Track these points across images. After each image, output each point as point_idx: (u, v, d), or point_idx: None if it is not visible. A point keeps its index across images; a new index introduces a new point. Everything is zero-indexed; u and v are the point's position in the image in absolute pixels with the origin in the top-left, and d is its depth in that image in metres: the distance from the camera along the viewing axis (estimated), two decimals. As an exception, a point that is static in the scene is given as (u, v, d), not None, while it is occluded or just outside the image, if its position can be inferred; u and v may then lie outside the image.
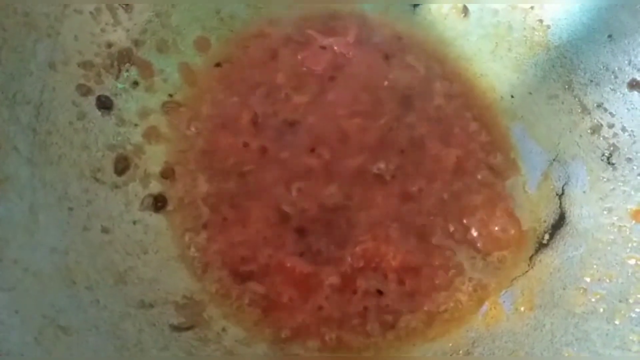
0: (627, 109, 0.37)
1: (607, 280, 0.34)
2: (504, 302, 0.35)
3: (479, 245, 0.36)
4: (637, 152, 0.36)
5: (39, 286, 0.28)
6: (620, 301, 0.32)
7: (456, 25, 0.42)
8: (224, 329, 0.32)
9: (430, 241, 0.36)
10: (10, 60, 0.31)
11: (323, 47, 0.41)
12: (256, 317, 0.33)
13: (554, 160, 0.39)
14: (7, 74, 0.31)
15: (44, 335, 0.27)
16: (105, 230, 0.33)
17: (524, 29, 0.41)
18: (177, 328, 0.31)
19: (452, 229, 0.36)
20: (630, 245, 0.34)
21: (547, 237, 0.37)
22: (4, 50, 0.31)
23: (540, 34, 0.41)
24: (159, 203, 0.35)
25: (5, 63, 0.31)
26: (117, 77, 0.37)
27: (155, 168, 0.36)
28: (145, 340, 0.30)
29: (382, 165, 0.38)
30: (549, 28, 0.40)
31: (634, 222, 0.35)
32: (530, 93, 0.40)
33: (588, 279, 0.34)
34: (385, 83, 0.41)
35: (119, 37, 0.37)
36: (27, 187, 0.30)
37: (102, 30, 0.36)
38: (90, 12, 0.35)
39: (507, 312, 0.35)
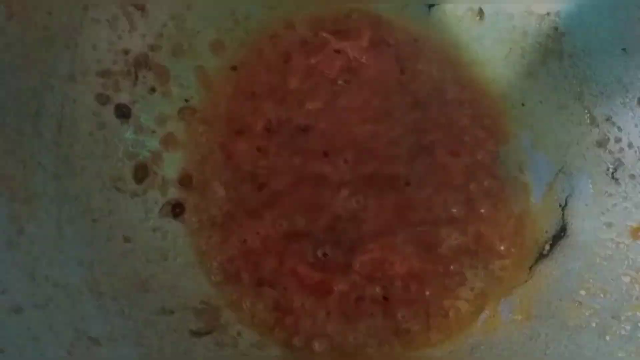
0: (635, 124, 0.38)
1: (602, 296, 0.35)
2: (502, 310, 0.37)
3: (481, 254, 0.38)
4: (638, 169, 0.37)
5: (69, 300, 0.30)
6: (612, 317, 0.34)
7: (471, 28, 0.42)
8: (239, 333, 0.35)
9: (436, 250, 0.38)
10: (32, 76, 0.32)
11: (337, 51, 0.41)
12: (270, 321, 0.36)
13: (559, 171, 0.39)
14: (30, 90, 0.32)
15: (75, 348, 0.29)
16: (127, 240, 0.34)
17: (539, 35, 0.41)
18: (196, 333, 0.34)
19: (457, 238, 0.38)
20: (626, 262, 0.36)
21: (547, 247, 0.38)
22: (25, 66, 0.32)
23: (555, 41, 0.41)
24: (177, 210, 0.37)
25: (27, 79, 0.32)
26: (135, 84, 0.37)
27: (173, 175, 0.37)
28: (167, 346, 0.32)
29: (392, 172, 0.39)
30: (563, 36, 0.40)
31: (632, 239, 0.36)
32: (541, 102, 0.41)
33: (583, 293, 0.36)
34: (398, 88, 0.41)
35: (135, 43, 0.37)
36: (54, 203, 0.32)
37: (119, 37, 0.36)
38: (107, 20, 0.36)
39: (505, 320, 0.37)
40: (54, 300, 0.29)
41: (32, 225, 0.30)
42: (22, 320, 0.28)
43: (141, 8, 0.37)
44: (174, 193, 0.37)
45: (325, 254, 0.37)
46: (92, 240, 0.33)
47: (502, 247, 0.38)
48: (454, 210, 0.39)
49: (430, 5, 0.43)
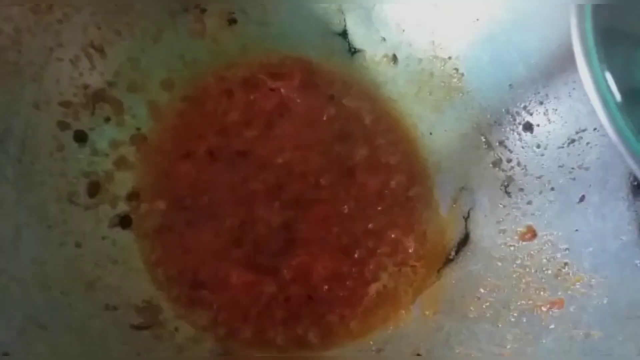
0: (522, 146, 0.44)
1: (496, 290, 0.41)
2: (414, 307, 0.42)
3: (396, 258, 0.43)
4: (527, 184, 0.43)
5: (21, 291, 0.34)
6: (503, 307, 0.39)
7: (387, 71, 0.49)
8: (176, 329, 0.39)
9: (354, 256, 0.43)
10: (1, 103, 0.38)
11: (272, 89, 0.48)
12: (205, 319, 0.40)
13: (462, 188, 0.46)
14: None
15: (25, 331, 0.33)
16: (78, 245, 0.39)
17: (443, 75, 0.48)
18: (136, 327, 0.38)
19: (372, 245, 0.43)
20: (516, 261, 0.41)
21: (453, 253, 0.44)
22: (-4, 94, 0.37)
23: (456, 80, 0.48)
24: (125, 222, 0.42)
25: (-3, 105, 0.37)
26: (92, 114, 0.43)
27: (123, 192, 0.43)
28: (109, 337, 0.36)
29: (318, 189, 0.45)
30: (463, 76, 0.48)
31: (521, 241, 0.42)
32: (446, 131, 0.48)
33: (482, 290, 0.41)
34: (325, 119, 0.48)
35: (95, 80, 0.43)
36: (13, 209, 0.36)
37: (80, 74, 0.42)
38: (70, 59, 0.42)
39: (416, 316, 0.42)
40: (9, 289, 0.33)
41: (-7, 226, 0.35)
42: (-21, 303, 0.32)
43: (100, 50, 0.43)
44: (122, 207, 0.42)
45: (257, 260, 0.42)
46: (45, 244, 0.37)
47: (414, 253, 0.44)
48: (371, 224, 0.44)
49: (353, 52, 0.50)
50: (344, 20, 0.49)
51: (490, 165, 0.45)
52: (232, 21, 0.48)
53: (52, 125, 0.41)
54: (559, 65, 0.43)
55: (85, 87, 0.43)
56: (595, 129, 0.40)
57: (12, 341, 0.32)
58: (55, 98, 0.41)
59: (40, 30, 0.40)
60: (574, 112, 0.42)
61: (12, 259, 0.35)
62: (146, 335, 0.38)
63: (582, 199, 0.40)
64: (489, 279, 0.42)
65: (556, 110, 0.43)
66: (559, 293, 0.38)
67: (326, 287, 0.42)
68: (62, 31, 0.41)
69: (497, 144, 0.46)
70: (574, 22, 0.29)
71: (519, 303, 0.39)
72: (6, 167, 0.37)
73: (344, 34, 0.50)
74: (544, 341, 0.36)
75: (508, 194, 0.44)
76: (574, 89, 0.42)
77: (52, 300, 0.35)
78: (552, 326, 0.37)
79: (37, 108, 0.40)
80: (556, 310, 0.37)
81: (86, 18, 0.42)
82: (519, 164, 0.45)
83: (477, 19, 0.46)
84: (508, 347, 0.37)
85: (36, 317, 0.34)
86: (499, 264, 0.42)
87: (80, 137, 0.42)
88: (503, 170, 0.45)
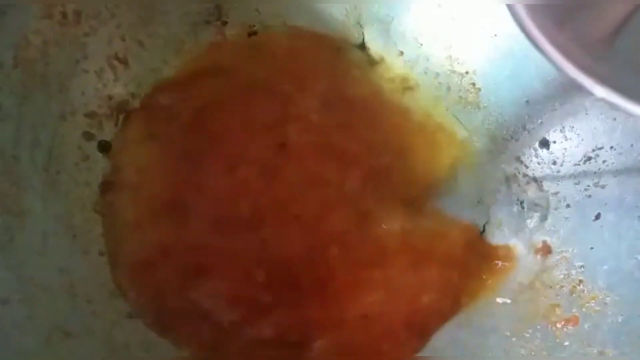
0: (538, 162, 0.45)
1: (513, 304, 0.41)
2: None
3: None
4: (543, 200, 0.44)
5: (48, 298, 0.35)
6: (518, 322, 0.40)
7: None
8: (196, 337, 0.40)
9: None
10: (29, 114, 0.39)
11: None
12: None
13: (477, 202, 0.46)
14: (27, 125, 0.38)
15: (52, 338, 0.34)
16: (101, 254, 0.40)
17: (460, 90, 0.49)
18: (159, 335, 0.39)
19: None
20: (531, 276, 0.42)
21: (468, 267, 0.44)
22: (25, 106, 0.38)
23: (473, 95, 0.48)
24: (147, 231, 0.43)
25: (26, 116, 0.38)
26: (116, 125, 0.44)
27: (145, 201, 0.43)
28: (132, 345, 0.37)
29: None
30: (480, 91, 0.48)
31: (535, 257, 0.42)
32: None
33: (496, 303, 0.42)
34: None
35: (118, 91, 0.44)
36: (40, 219, 0.37)
37: (104, 85, 0.43)
38: (95, 71, 0.43)
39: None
40: (36, 297, 0.34)
41: (21, 235, 0.36)
42: (8, 310, 0.33)
43: (124, 62, 0.44)
44: (145, 216, 0.43)
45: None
46: (71, 253, 0.38)
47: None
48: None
49: (372, 64, 0.51)
50: (362, 33, 0.50)
51: (506, 180, 0.46)
52: (253, 33, 0.49)
53: (77, 135, 0.42)
54: (576, 82, 0.43)
55: (110, 98, 0.44)
56: (612, 147, 0.41)
57: (40, 348, 0.33)
58: (81, 109, 0.42)
59: (67, 42, 0.41)
60: (591, 129, 0.42)
61: (39, 267, 0.36)
62: (168, 344, 0.38)
63: (597, 216, 0.40)
64: (503, 293, 0.42)
65: (573, 127, 0.44)
66: (574, 310, 0.38)
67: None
68: (88, 43, 0.42)
69: (513, 159, 0.46)
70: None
71: (533, 319, 0.40)
72: (34, 177, 0.38)
73: (362, 46, 0.50)
74: (558, 357, 0.37)
75: (523, 209, 0.45)
76: (590, 107, 0.42)
77: (77, 308, 0.36)
78: (566, 343, 0.37)
79: (63, 119, 0.41)
80: (571, 327, 0.38)
81: (111, 30, 0.43)
82: (534, 179, 0.45)
83: (495, 35, 0.46)
84: (521, 362, 0.38)
85: (62, 324, 0.35)
86: (513, 278, 0.42)
87: (104, 147, 0.43)
88: (519, 186, 0.45)
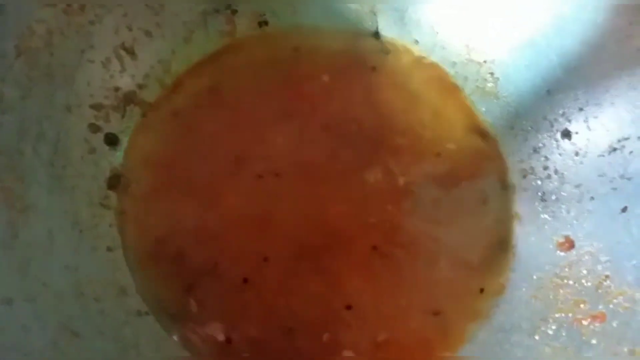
0: (560, 154, 0.43)
1: (533, 300, 0.40)
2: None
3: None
4: (565, 192, 0.42)
5: (55, 297, 0.34)
6: (540, 319, 0.38)
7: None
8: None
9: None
10: (34, 106, 0.37)
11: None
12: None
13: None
14: (32, 117, 0.37)
15: (59, 338, 0.32)
16: (109, 249, 0.39)
17: (477, 80, 0.47)
18: (168, 334, 0.37)
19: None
20: (554, 271, 0.40)
21: (487, 262, 0.43)
22: (29, 98, 0.37)
23: (492, 84, 0.47)
24: (156, 226, 0.41)
25: (30, 108, 0.37)
26: (123, 116, 0.43)
27: (154, 196, 0.42)
28: (142, 344, 0.36)
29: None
30: (498, 80, 0.47)
31: (558, 251, 0.41)
32: (481, 136, 0.47)
33: (518, 298, 0.40)
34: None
35: (125, 82, 0.43)
36: (46, 214, 0.36)
37: (111, 76, 0.42)
38: (101, 61, 0.41)
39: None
40: (42, 296, 0.33)
41: (26, 231, 0.34)
42: (13, 310, 0.31)
43: (131, 52, 0.43)
44: (154, 211, 0.42)
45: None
46: (78, 249, 0.37)
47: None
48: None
49: (385, 53, 0.49)
50: (376, 21, 0.48)
51: (527, 171, 0.44)
52: (263, 23, 0.48)
53: (83, 128, 0.40)
54: (601, 71, 0.41)
55: (116, 89, 0.42)
56: (639, 138, 0.39)
57: (47, 349, 0.32)
58: (87, 100, 0.41)
59: (72, 31, 0.39)
60: (616, 119, 0.41)
61: (45, 265, 0.34)
62: (178, 343, 0.37)
63: (624, 209, 0.39)
64: (523, 289, 0.41)
65: (596, 117, 0.42)
66: (600, 307, 0.37)
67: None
68: (94, 33, 0.41)
69: (533, 151, 0.45)
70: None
71: (557, 315, 0.38)
72: (39, 171, 0.37)
73: (376, 35, 0.49)
74: (585, 356, 0.35)
75: (544, 202, 0.43)
76: (616, 96, 0.40)
77: (85, 307, 0.35)
78: (593, 341, 0.36)
79: (68, 111, 0.39)
80: (598, 325, 0.36)
81: (118, 19, 0.42)
82: (556, 172, 0.43)
83: (515, 22, 0.45)
84: (547, 361, 0.36)
85: (69, 324, 0.34)
86: (534, 273, 0.41)
87: (111, 140, 0.41)
88: (540, 179, 0.44)
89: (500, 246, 0.43)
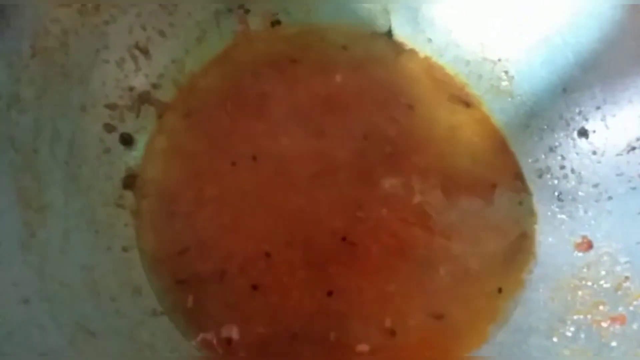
0: (576, 153, 0.43)
1: (551, 302, 0.39)
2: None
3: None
4: (582, 192, 0.42)
5: (71, 297, 0.34)
6: (558, 321, 0.38)
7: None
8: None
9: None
10: (49, 106, 0.37)
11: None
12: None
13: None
14: (47, 117, 0.37)
15: (76, 338, 0.32)
16: (125, 250, 0.39)
17: (491, 78, 0.47)
18: (185, 334, 0.37)
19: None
20: (571, 272, 0.40)
21: (503, 263, 0.43)
22: (45, 97, 0.37)
23: (506, 83, 0.46)
24: (170, 226, 0.41)
25: (46, 108, 0.37)
26: (138, 116, 0.43)
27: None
28: (157, 344, 0.36)
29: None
30: (513, 79, 0.46)
31: (576, 252, 0.40)
32: (495, 135, 0.46)
33: (535, 299, 0.40)
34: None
35: (140, 82, 0.43)
36: (62, 214, 0.36)
37: (126, 76, 0.42)
38: (116, 61, 0.41)
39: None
40: (58, 296, 0.33)
41: (42, 231, 0.34)
42: (30, 310, 0.31)
43: (145, 52, 0.43)
44: (168, 211, 0.42)
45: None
46: (93, 249, 0.37)
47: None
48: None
49: (398, 53, 0.49)
50: (389, 20, 0.48)
51: (543, 172, 0.44)
52: (276, 22, 0.47)
53: (98, 127, 0.40)
54: (618, 69, 0.41)
55: (131, 89, 0.42)
56: (658, 136, 0.39)
57: (63, 349, 0.32)
58: (101, 100, 0.41)
59: (86, 32, 0.39)
60: (635, 117, 0.40)
61: (61, 264, 0.34)
62: (193, 344, 0.37)
63: (644, 209, 0.38)
64: (541, 290, 0.40)
65: (614, 115, 0.41)
66: (620, 309, 0.36)
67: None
68: (108, 33, 0.41)
69: (549, 150, 0.44)
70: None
71: (575, 317, 0.38)
72: (55, 172, 0.37)
73: (389, 34, 0.48)
74: (605, 358, 0.35)
75: (561, 202, 0.43)
76: (635, 94, 0.40)
77: (101, 307, 0.35)
78: (613, 343, 0.35)
79: (83, 110, 0.39)
80: (618, 327, 0.36)
81: (132, 19, 0.42)
82: (572, 171, 0.43)
83: (529, 20, 0.44)
84: (566, 363, 0.36)
85: (86, 324, 0.33)
86: (552, 274, 0.40)
87: (126, 140, 0.41)
88: (556, 178, 0.43)
89: (518, 247, 0.42)
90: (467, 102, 0.47)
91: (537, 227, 0.43)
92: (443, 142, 0.45)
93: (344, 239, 0.41)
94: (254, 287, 0.39)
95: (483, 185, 0.44)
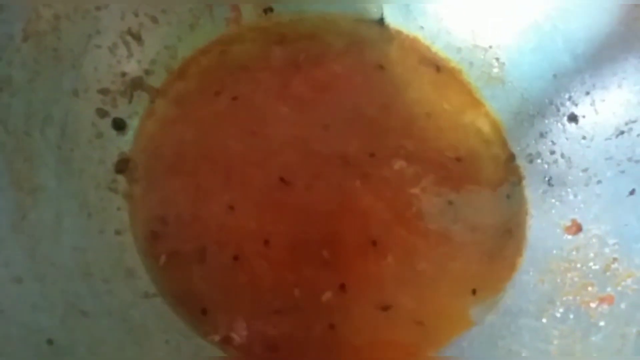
0: (566, 138, 0.43)
1: (540, 284, 0.40)
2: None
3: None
4: (572, 176, 0.42)
5: (63, 278, 0.34)
6: (548, 302, 0.38)
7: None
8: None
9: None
10: (41, 89, 0.37)
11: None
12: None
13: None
14: (39, 101, 0.37)
15: (67, 317, 0.33)
16: (117, 233, 0.39)
17: (483, 65, 0.47)
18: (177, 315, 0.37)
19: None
20: (561, 255, 0.40)
21: (496, 248, 0.43)
22: (37, 81, 0.37)
23: (497, 70, 0.47)
24: (162, 210, 0.41)
25: (38, 91, 0.37)
26: (130, 102, 0.43)
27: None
28: (149, 324, 0.36)
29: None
30: (504, 65, 0.46)
31: (565, 235, 0.41)
32: (487, 121, 0.46)
33: (525, 281, 0.40)
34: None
35: (132, 67, 0.43)
36: (54, 197, 0.36)
37: (118, 62, 0.42)
38: (108, 47, 0.42)
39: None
40: (51, 276, 0.33)
41: (34, 213, 0.35)
42: (22, 289, 0.32)
43: (138, 38, 0.43)
44: (161, 195, 0.42)
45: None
46: (86, 231, 0.37)
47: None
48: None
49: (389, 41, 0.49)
50: (382, 8, 0.48)
51: (533, 157, 0.44)
52: (269, 9, 0.48)
53: (90, 112, 0.40)
54: (608, 55, 0.41)
55: (123, 74, 0.42)
56: (646, 120, 0.39)
57: (55, 328, 0.32)
58: (94, 85, 0.41)
59: (78, 16, 0.40)
60: (623, 102, 0.41)
61: (53, 246, 0.35)
62: (185, 324, 0.37)
63: (632, 192, 0.38)
64: (530, 273, 0.40)
65: (604, 100, 0.42)
66: (608, 289, 0.37)
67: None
68: (100, 18, 0.41)
69: (539, 135, 0.44)
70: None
71: (564, 298, 0.38)
72: (47, 154, 0.37)
73: (381, 21, 0.49)
74: (593, 338, 0.35)
75: (551, 186, 0.43)
76: (624, 78, 0.40)
77: (93, 287, 0.35)
78: (601, 323, 0.35)
79: (76, 95, 0.40)
80: (606, 307, 0.36)
81: (124, 5, 0.42)
82: (562, 155, 0.43)
83: (520, 6, 0.45)
84: (555, 342, 0.36)
85: (78, 303, 0.34)
86: (542, 257, 0.41)
87: (119, 125, 0.41)
88: (546, 163, 0.44)
89: (507, 231, 0.42)
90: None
91: (527, 211, 0.43)
92: (435, 127, 0.45)
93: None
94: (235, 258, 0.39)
95: (475, 172, 0.44)
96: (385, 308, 0.39)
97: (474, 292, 0.40)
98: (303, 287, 0.39)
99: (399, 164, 0.43)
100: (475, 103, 0.47)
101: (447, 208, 0.42)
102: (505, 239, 0.42)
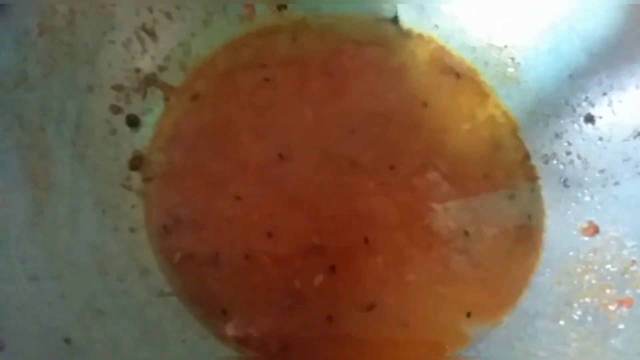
0: (582, 139, 0.43)
1: (557, 286, 0.39)
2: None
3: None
4: (588, 178, 0.42)
5: (79, 276, 0.34)
6: (565, 304, 0.38)
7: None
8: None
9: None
10: (56, 85, 0.37)
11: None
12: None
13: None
14: (54, 96, 0.37)
15: (84, 316, 0.32)
16: (132, 230, 0.38)
17: (497, 65, 0.47)
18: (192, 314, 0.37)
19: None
20: (578, 257, 0.40)
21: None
22: (51, 76, 0.37)
23: (512, 70, 0.46)
24: (176, 208, 0.41)
25: (53, 87, 0.37)
26: (144, 98, 0.42)
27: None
28: (165, 324, 0.36)
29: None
30: (519, 65, 0.46)
31: (582, 237, 0.40)
32: (501, 121, 0.46)
33: (541, 284, 0.40)
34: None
35: (146, 64, 0.42)
36: (69, 193, 0.36)
37: (132, 58, 0.42)
38: (122, 42, 0.41)
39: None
40: (67, 274, 0.33)
41: (50, 209, 0.34)
42: (38, 287, 0.31)
43: (152, 34, 0.43)
44: (175, 193, 0.41)
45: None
46: (101, 229, 0.37)
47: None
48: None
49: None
50: (396, 6, 0.48)
51: (549, 158, 0.44)
52: (282, 6, 0.47)
53: (104, 108, 0.40)
54: (625, 55, 0.41)
55: (137, 70, 0.42)
56: (665, 122, 0.39)
57: (72, 327, 0.32)
58: (108, 81, 0.40)
59: (93, 12, 0.39)
60: (642, 103, 0.40)
61: (69, 244, 0.34)
62: (201, 323, 0.37)
63: (650, 194, 0.38)
64: (547, 274, 0.40)
65: (621, 101, 0.41)
66: (627, 292, 0.36)
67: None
68: (115, 13, 0.40)
69: (554, 136, 0.44)
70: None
71: (582, 301, 0.38)
72: (61, 150, 0.37)
73: (395, 20, 0.48)
74: (612, 341, 0.35)
75: (567, 187, 0.43)
76: (642, 78, 0.40)
77: (109, 286, 0.35)
78: (621, 326, 0.35)
79: (90, 91, 0.39)
80: (625, 310, 0.36)
81: (138, 0, 0.41)
82: (579, 157, 0.43)
83: (536, 6, 0.44)
84: (573, 345, 0.36)
85: (94, 302, 0.33)
86: (558, 259, 0.41)
87: (133, 122, 0.41)
88: (562, 164, 0.44)
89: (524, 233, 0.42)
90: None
91: (543, 212, 0.43)
92: (462, 144, 0.45)
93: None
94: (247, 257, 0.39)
95: (490, 173, 0.44)
96: (370, 307, 0.39)
97: (468, 315, 0.39)
98: (301, 276, 0.39)
99: (432, 176, 0.42)
100: (492, 104, 0.46)
101: (460, 237, 0.41)
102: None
